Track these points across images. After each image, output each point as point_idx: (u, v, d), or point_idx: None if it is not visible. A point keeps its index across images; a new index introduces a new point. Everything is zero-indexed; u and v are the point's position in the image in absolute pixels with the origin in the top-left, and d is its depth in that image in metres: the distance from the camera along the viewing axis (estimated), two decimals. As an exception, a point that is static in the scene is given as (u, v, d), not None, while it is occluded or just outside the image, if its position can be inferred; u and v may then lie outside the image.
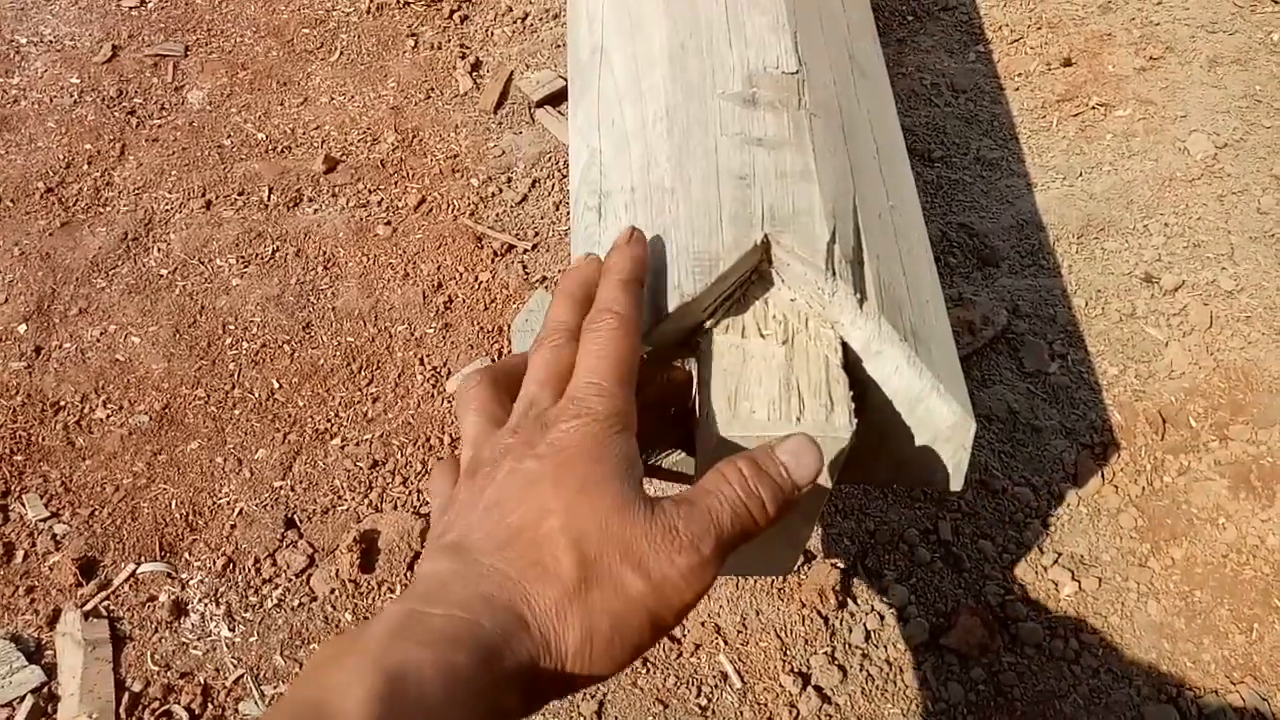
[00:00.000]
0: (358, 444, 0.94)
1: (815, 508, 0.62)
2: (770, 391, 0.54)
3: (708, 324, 0.58)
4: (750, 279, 0.58)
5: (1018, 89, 1.24)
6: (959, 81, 1.25)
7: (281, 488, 0.91)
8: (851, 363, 0.57)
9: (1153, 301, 1.03)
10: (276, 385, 0.97)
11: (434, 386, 0.97)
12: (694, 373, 0.62)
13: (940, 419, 0.58)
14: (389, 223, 1.09)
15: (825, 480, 0.59)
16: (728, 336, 0.57)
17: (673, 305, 0.54)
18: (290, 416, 0.95)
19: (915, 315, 0.58)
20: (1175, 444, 0.93)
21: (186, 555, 0.87)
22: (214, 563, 0.87)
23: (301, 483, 0.92)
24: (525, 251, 1.07)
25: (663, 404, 0.66)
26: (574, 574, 0.36)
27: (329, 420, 0.95)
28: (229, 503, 0.90)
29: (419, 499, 0.90)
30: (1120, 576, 0.85)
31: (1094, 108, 1.21)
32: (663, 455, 0.73)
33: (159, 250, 1.07)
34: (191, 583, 0.86)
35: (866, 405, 0.59)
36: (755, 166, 0.58)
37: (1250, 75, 1.22)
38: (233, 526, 0.89)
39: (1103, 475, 0.91)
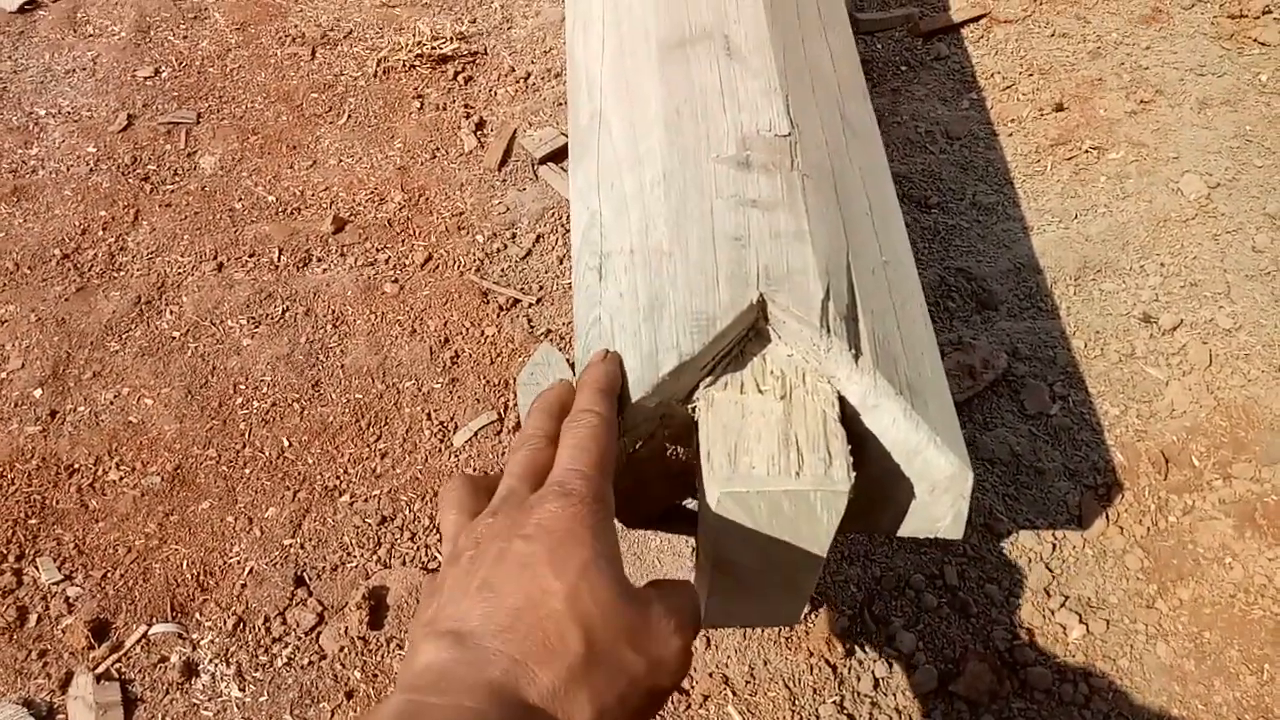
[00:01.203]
0: (366, 500, 0.95)
1: (816, 560, 0.63)
2: (769, 447, 0.55)
3: (706, 381, 0.59)
4: (748, 336, 0.59)
5: (1011, 134, 1.26)
6: (953, 128, 1.27)
7: (291, 545, 0.92)
8: (849, 416, 0.58)
9: (1151, 341, 1.04)
10: (286, 443, 0.99)
11: (441, 441, 0.99)
12: (691, 431, 0.64)
13: (938, 470, 0.59)
14: (396, 280, 1.11)
15: (827, 532, 0.60)
16: (726, 393, 0.58)
17: (671, 364, 0.56)
18: (300, 474, 0.97)
19: (911, 369, 0.59)
20: (1179, 483, 0.93)
21: (197, 615, 0.88)
22: (225, 622, 0.87)
23: (311, 540, 0.93)
24: (530, 305, 1.09)
25: (664, 462, 0.67)
26: (581, 653, 0.36)
27: (338, 477, 0.96)
28: (239, 562, 0.91)
29: (427, 554, 0.91)
30: (1128, 618, 0.85)
31: (1087, 151, 1.23)
32: (659, 512, 0.74)
33: (171, 313, 1.09)
34: (202, 643, 0.87)
35: (865, 458, 0.60)
36: (750, 228, 0.60)
37: (1240, 116, 1.24)
38: (243, 585, 0.90)
39: (1107, 516, 0.91)
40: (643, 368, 0.57)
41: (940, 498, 0.61)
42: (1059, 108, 1.28)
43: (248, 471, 0.97)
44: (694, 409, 0.60)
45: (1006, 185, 1.21)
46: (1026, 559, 0.89)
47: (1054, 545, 0.90)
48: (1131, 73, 1.31)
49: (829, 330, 0.56)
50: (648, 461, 0.65)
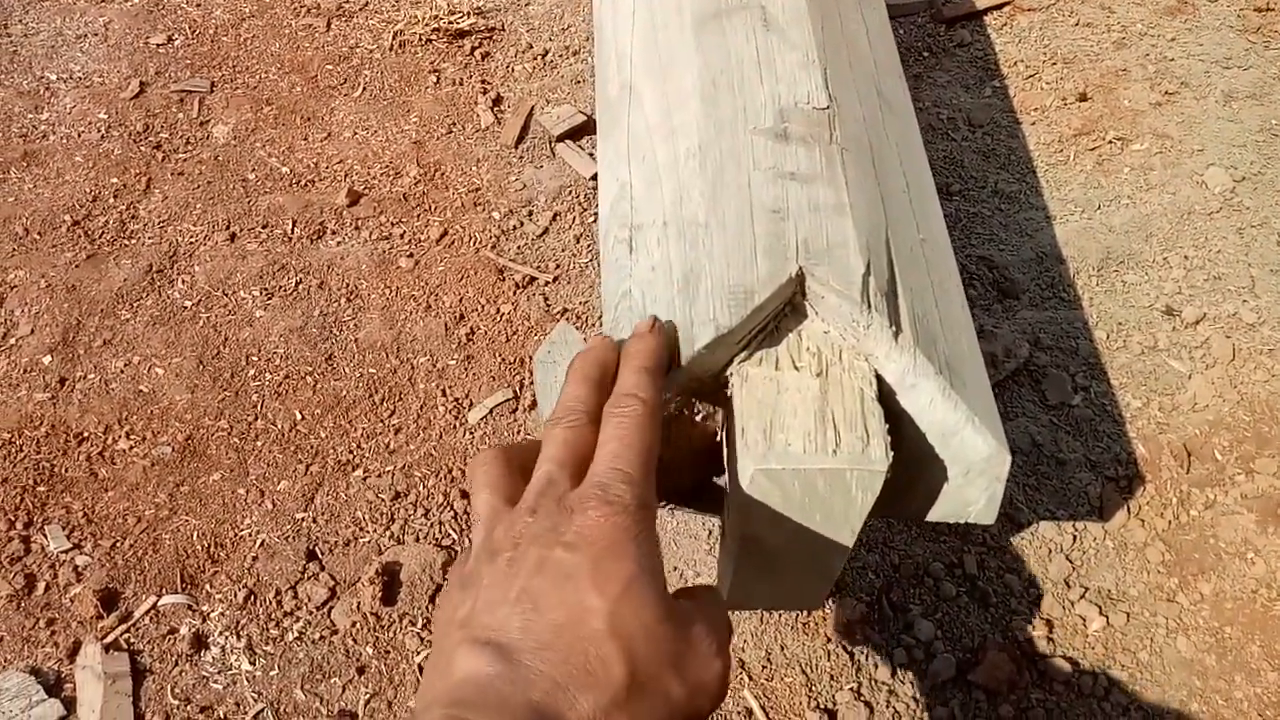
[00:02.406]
0: (379, 475, 0.94)
1: (846, 541, 0.62)
2: (805, 424, 0.54)
3: (740, 356, 0.58)
4: (784, 311, 0.58)
5: (1034, 123, 1.25)
6: (975, 116, 1.26)
7: (303, 519, 0.91)
8: (885, 395, 0.57)
9: (1174, 334, 1.03)
10: (299, 417, 0.97)
11: (456, 418, 0.97)
12: (723, 409, 0.62)
13: (974, 452, 0.58)
14: (411, 255, 1.10)
15: (860, 513, 0.59)
16: (761, 369, 0.57)
17: (708, 337, 0.54)
18: (312, 448, 0.95)
19: (949, 348, 0.58)
20: (1201, 477, 0.92)
21: (208, 587, 0.87)
22: (235, 595, 0.86)
23: (323, 514, 0.91)
24: (546, 284, 1.08)
25: (689, 441, 0.66)
26: (624, 680, 0.35)
27: (351, 452, 0.95)
28: (251, 534, 0.90)
29: (441, 531, 0.90)
30: (1149, 611, 0.84)
31: (1111, 142, 1.21)
32: (687, 490, 0.73)
33: (183, 282, 1.08)
34: (212, 615, 0.86)
35: (900, 438, 0.59)
36: (789, 200, 0.58)
37: (1266, 110, 1.23)
38: (254, 558, 0.89)
39: (1128, 509, 0.90)
40: (677, 341, 0.56)
41: (975, 481, 0.60)
42: (1083, 98, 1.26)
43: (259, 444, 0.96)
44: (727, 384, 0.59)
45: (1029, 174, 1.20)
46: (1047, 549, 0.88)
47: (1075, 537, 0.89)
48: (1156, 64, 1.30)
49: (869, 306, 0.54)
50: (678, 436, 0.64)
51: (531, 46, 1.34)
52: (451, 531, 0.90)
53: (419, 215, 1.14)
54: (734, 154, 0.61)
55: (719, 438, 0.63)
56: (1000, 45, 1.35)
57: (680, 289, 0.58)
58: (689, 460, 0.67)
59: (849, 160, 0.61)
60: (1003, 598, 0.85)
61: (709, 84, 0.65)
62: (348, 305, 1.06)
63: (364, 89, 1.28)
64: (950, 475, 0.61)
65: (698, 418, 0.63)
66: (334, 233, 1.12)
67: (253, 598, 0.86)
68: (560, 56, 1.33)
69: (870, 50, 0.73)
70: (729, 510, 0.62)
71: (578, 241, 1.11)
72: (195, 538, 0.90)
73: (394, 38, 1.34)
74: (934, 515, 0.65)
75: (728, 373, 0.59)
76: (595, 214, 1.14)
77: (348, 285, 1.07)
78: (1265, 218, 1.12)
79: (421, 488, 0.93)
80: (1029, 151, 1.22)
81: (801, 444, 0.54)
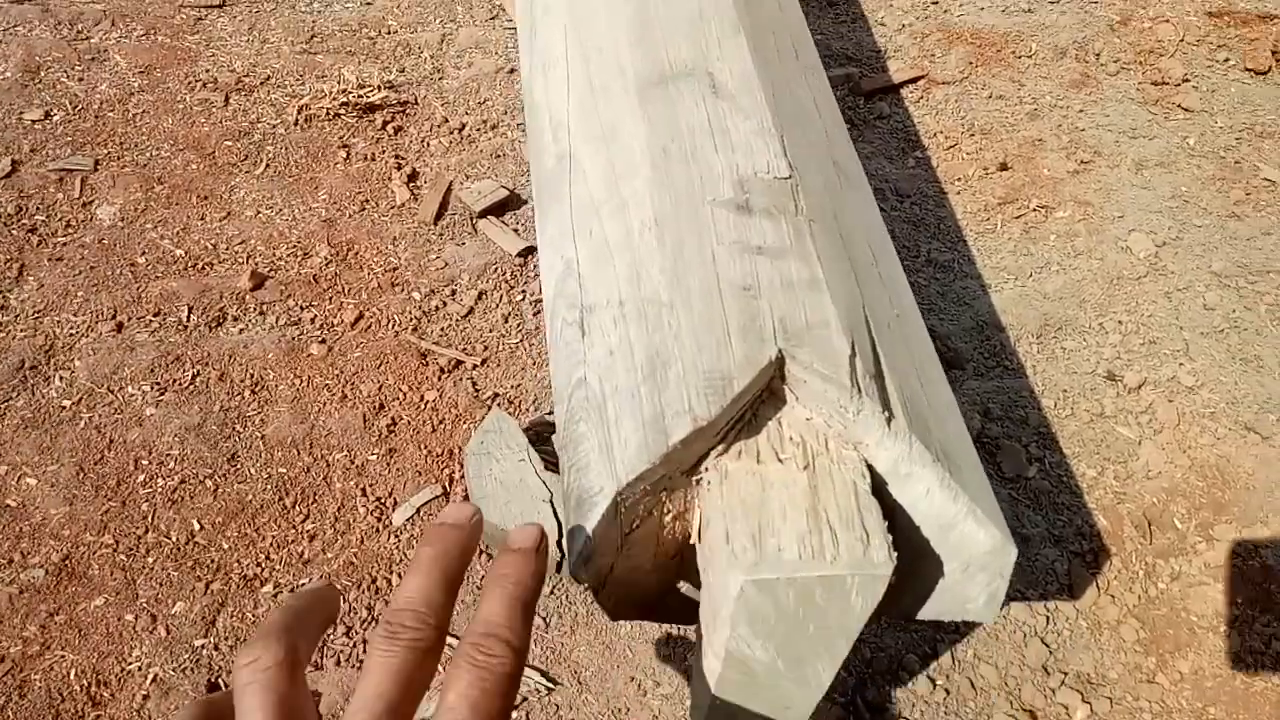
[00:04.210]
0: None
1: (841, 651, 0.55)
2: (798, 525, 0.48)
3: (717, 450, 0.52)
4: (760, 398, 0.53)
5: (959, 193, 1.25)
6: (902, 186, 1.26)
7: (204, 646, 0.79)
8: (876, 487, 0.52)
9: (1119, 400, 1.02)
10: (198, 526, 0.86)
11: (379, 520, 0.88)
12: (697, 507, 0.56)
13: (976, 546, 0.52)
14: (324, 341, 1.01)
15: (858, 620, 0.53)
16: (741, 463, 0.51)
17: (684, 431, 0.48)
18: (214, 562, 0.84)
19: (941, 432, 0.53)
20: (1164, 547, 0.90)
21: (87, 737, 0.74)
22: (121, 744, 0.74)
23: (227, 639, 0.80)
24: (474, 367, 1.00)
25: (656, 546, 0.59)
26: None
27: (259, 564, 0.84)
28: (140, 668, 0.78)
29: (365, 651, 0.80)
30: (1131, 695, 0.80)
31: (1035, 210, 1.22)
32: (653, 599, 0.65)
33: (61, 379, 0.96)
34: (92, 771, 0.73)
35: (893, 533, 0.53)
36: (759, 276, 0.53)
37: (1174, 177, 1.27)
38: (145, 697, 0.76)
39: (1097, 585, 0.87)
40: (647, 435, 0.50)
41: (975, 576, 0.55)
42: (1003, 167, 1.28)
43: (150, 561, 0.84)
44: (702, 481, 0.52)
45: (959, 243, 1.19)
46: (1021, 634, 0.83)
47: (1047, 618, 0.85)
48: (1069, 134, 1.32)
49: (859, 390, 0.49)
50: (642, 544, 0.56)
51: (447, 121, 1.28)
52: (377, 652, 0.80)
53: (331, 298, 1.05)
54: (694, 227, 0.56)
55: (692, 540, 0.57)
56: (919, 117, 1.36)
57: (645, 376, 0.52)
58: (654, 567, 0.60)
59: (817, 232, 0.56)
60: (982, 690, 0.80)
61: (659, 152, 0.60)
62: (252, 398, 0.96)
63: (267, 165, 1.20)
64: (947, 571, 0.55)
65: (667, 518, 0.56)
66: (236, 319, 1.02)
67: (141, 746, 0.74)
68: (478, 131, 1.27)
69: (820, 118, 0.70)
70: (709, 624, 0.55)
71: (506, 321, 1.04)
72: (73, 676, 0.77)
73: (299, 112, 1.26)
74: (927, 614, 0.60)
75: (703, 466, 0.52)
76: (524, 292, 1.07)
77: (252, 376, 0.97)
78: (1189, 281, 1.13)
79: (341, 601, 0.82)
80: (957, 220, 1.22)
81: (796, 549, 0.48)
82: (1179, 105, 1.37)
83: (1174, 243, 1.18)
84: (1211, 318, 1.09)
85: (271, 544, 0.85)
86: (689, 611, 0.64)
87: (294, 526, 0.87)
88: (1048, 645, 0.83)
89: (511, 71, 1.37)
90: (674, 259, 0.55)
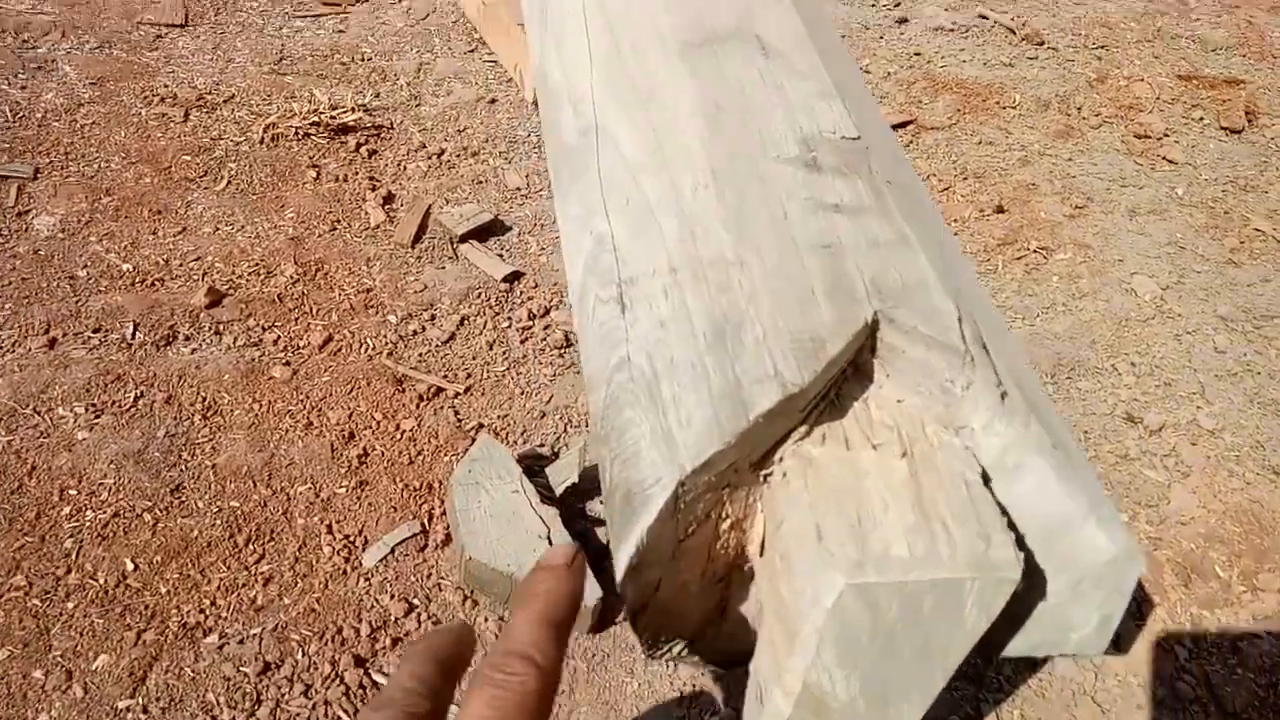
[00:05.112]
0: (242, 641, 0.71)
1: (936, 685, 0.46)
2: (903, 519, 0.40)
3: (798, 433, 0.43)
4: (844, 374, 0.45)
5: (958, 234, 1.21)
6: (899, 226, 1.21)
7: (129, 710, 0.67)
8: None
9: (1142, 442, 0.96)
10: (131, 566, 0.74)
11: (346, 561, 0.77)
12: (760, 512, 0.47)
13: (1093, 555, 0.44)
14: (288, 364, 0.90)
15: (967, 642, 0.44)
16: (827, 449, 0.43)
17: (770, 400, 0.40)
18: (148, 608, 0.72)
19: (1047, 413, 0.46)
20: (1207, 597, 0.83)
21: (-21, 819, 0.61)
22: (22, 827, 0.60)
23: (159, 700, 0.67)
24: (456, 395, 0.90)
25: (708, 561, 0.50)
26: None
27: (203, 611, 0.72)
28: (51, 734, 0.65)
29: (327, 715, 0.68)
30: None
31: (1035, 251, 1.19)
32: (692, 632, 0.56)
33: (-22, 398, 0.83)
34: None
35: (997, 539, 0.45)
36: (840, 235, 0.46)
37: (1169, 225, 1.25)
38: (55, 769, 0.63)
39: (1145, 638, 0.79)
40: (718, 411, 0.41)
41: (1087, 595, 0.46)
42: (1000, 209, 1.25)
43: (71, 606, 0.71)
44: (773, 476, 0.44)
45: (962, 282, 1.14)
46: (1070, 692, 0.75)
47: (1095, 674, 0.77)
48: (1062, 180, 1.31)
49: (971, 359, 0.41)
50: (694, 556, 0.47)
51: (425, 146, 1.21)
52: (343, 714, 0.68)
53: (297, 318, 0.95)
54: (759, 183, 0.49)
55: (751, 551, 0.48)
56: (911, 159, 1.33)
57: (711, 344, 0.43)
58: (701, 589, 0.51)
59: (895, 194, 0.49)
60: None
61: (711, 107, 0.53)
62: (203, 424, 0.84)
63: (229, 182, 1.11)
64: (1052, 590, 0.47)
65: (724, 524, 0.47)
66: (188, 338, 0.92)
67: (48, 829, 0.60)
68: (458, 156, 1.20)
69: (865, 94, 0.64)
70: (777, 653, 0.46)
71: (491, 348, 0.95)
72: (-35, 745, 0.63)
73: (265, 130, 1.18)
74: (1018, 648, 0.51)
75: (776, 456, 0.44)
76: (510, 319, 0.99)
77: (204, 399, 0.86)
78: (1197, 325, 1.10)
79: (300, 655, 0.70)
80: (958, 260, 1.17)
81: (906, 546, 0.39)
82: (1163, 157, 1.38)
83: (1177, 286, 1.15)
84: (1224, 361, 1.06)
85: (219, 587, 0.73)
86: (732, 650, 0.54)
87: (246, 568, 0.75)
88: (1099, 704, 0.74)
89: (493, 101, 1.32)
90: (738, 215, 0.48)
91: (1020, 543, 0.46)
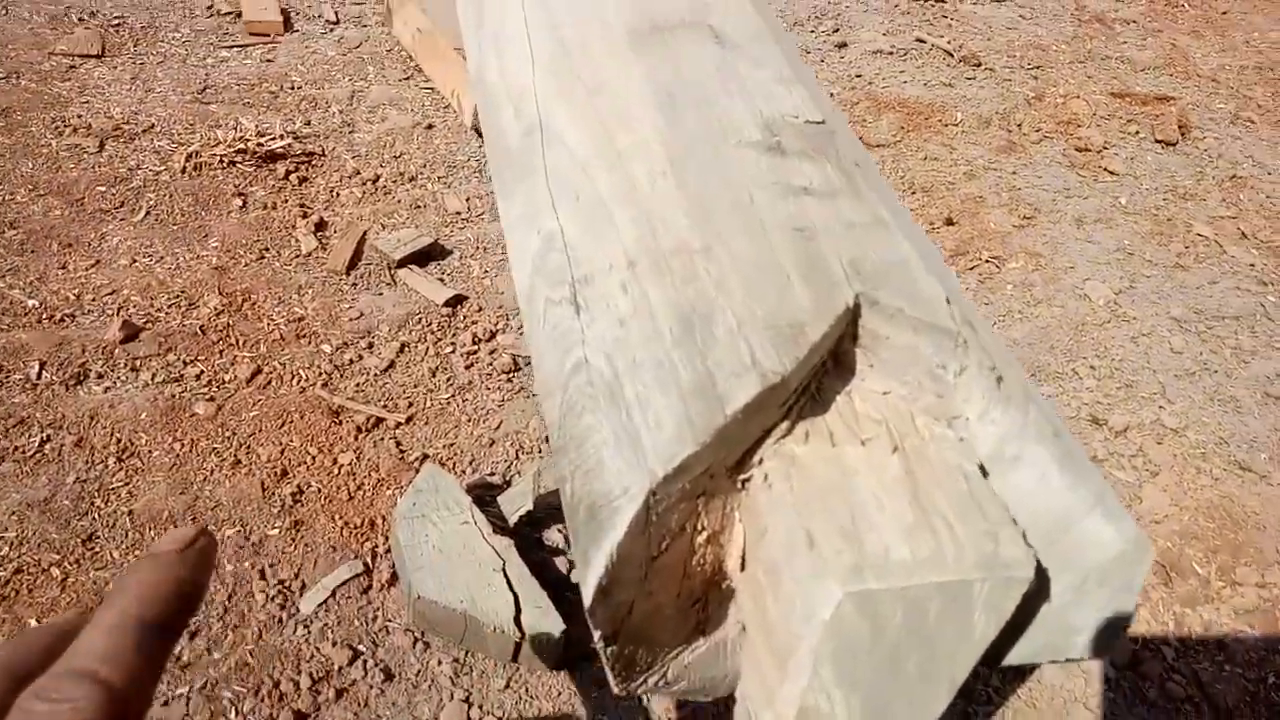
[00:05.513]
0: (166, 703, 0.64)
1: (940, 702, 0.42)
2: (902, 518, 0.36)
3: (779, 431, 0.39)
4: (824, 367, 0.41)
5: (909, 246, 1.20)
6: (850, 240, 1.20)
7: (35, 787, 0.59)
8: (975, 477, 0.40)
9: (1108, 444, 0.94)
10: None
11: (282, 608, 0.70)
12: (739, 522, 0.43)
13: (1100, 549, 0.41)
14: (212, 399, 0.84)
15: (975, 650, 0.40)
16: (812, 447, 0.39)
17: (749, 393, 0.35)
18: (56, 672, 0.64)
19: (1040, 399, 0.42)
20: (1188, 595, 0.81)
21: None
22: None
23: (70, 775, 0.60)
24: (398, 426, 0.85)
25: (683, 579, 0.45)
26: None
27: None
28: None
29: (262, 778, 0.61)
30: None
31: (987, 261, 1.18)
32: (671, 656, 0.51)
33: None
34: None
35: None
36: (812, 218, 0.42)
37: (1115, 233, 1.25)
38: None
39: (1131, 640, 0.77)
40: (689, 409, 0.37)
41: (1091, 595, 0.43)
42: (949, 222, 1.24)
43: (-33, 674, 0.63)
44: (752, 481, 0.40)
45: (917, 294, 1.13)
46: (1061, 700, 0.71)
47: (1085, 680, 0.73)
48: (1008, 192, 1.31)
49: (964, 340, 0.38)
50: (668, 574, 0.43)
51: (360, 172, 1.16)
52: (279, 776, 0.61)
53: (222, 351, 0.89)
54: (720, 169, 0.45)
55: (729, 566, 0.43)
56: (857, 177, 1.32)
57: (678, 339, 0.39)
58: (676, 611, 0.46)
59: (866, 176, 0.46)
60: None
61: (665, 96, 0.49)
62: (119, 467, 0.77)
63: (147, 213, 1.04)
64: (1055, 591, 0.43)
65: (700, 538, 0.42)
66: (100, 376, 0.85)
67: None
68: (394, 182, 1.15)
69: (818, 84, 0.61)
70: (767, 679, 0.41)
71: (433, 375, 0.90)
72: None
73: (187, 160, 1.12)
74: (1020, 656, 0.47)
75: (755, 458, 0.39)
76: (453, 344, 0.94)
77: (119, 441, 0.79)
78: (1152, 327, 1.10)
79: (234, 715, 0.63)
80: (912, 272, 1.16)
81: (907, 547, 0.35)
82: (1105, 169, 1.39)
83: (1129, 291, 1.15)
84: (1182, 360, 1.05)
85: None
86: (712, 678, 0.49)
87: None
88: (1091, 710, 0.71)
89: (430, 127, 1.27)
90: (701, 203, 0.44)
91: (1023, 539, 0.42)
